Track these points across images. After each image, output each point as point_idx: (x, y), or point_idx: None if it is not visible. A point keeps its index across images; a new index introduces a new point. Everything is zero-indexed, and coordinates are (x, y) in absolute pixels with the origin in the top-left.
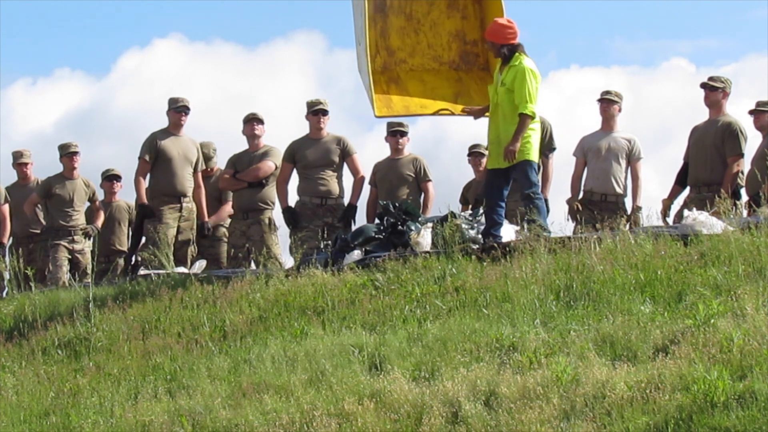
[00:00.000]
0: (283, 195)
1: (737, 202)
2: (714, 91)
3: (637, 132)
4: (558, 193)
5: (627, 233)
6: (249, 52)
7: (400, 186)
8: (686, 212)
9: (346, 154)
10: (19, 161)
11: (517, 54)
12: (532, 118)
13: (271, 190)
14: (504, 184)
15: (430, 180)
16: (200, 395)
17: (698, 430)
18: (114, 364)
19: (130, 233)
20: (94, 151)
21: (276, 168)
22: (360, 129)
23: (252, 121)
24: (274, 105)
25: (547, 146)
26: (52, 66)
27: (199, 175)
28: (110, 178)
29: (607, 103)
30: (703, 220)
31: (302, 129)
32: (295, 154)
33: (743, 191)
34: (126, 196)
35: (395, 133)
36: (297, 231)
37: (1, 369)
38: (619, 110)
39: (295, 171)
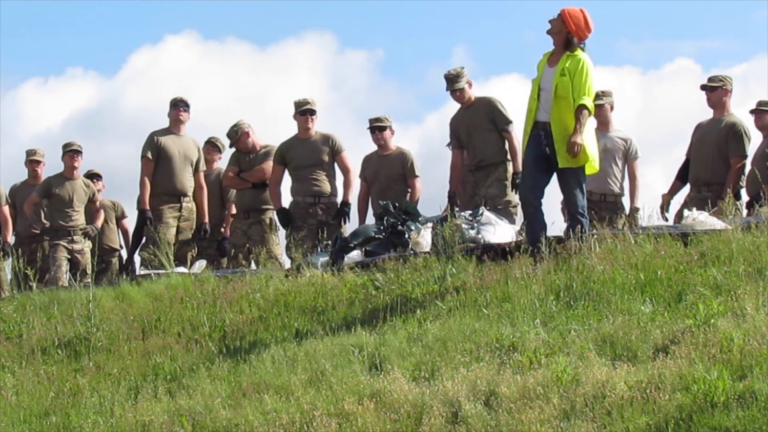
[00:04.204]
0: (276, 196)
1: (737, 203)
2: (714, 91)
3: (646, 133)
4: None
5: (627, 233)
6: (260, 51)
7: (389, 182)
8: (686, 212)
9: (335, 152)
10: (31, 158)
11: (579, 48)
12: (591, 113)
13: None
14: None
15: (417, 176)
16: (200, 395)
17: (698, 430)
18: (114, 364)
19: (120, 232)
20: (102, 150)
21: None
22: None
23: (242, 135)
24: (284, 105)
25: (504, 120)
26: (64, 64)
27: (201, 175)
28: (90, 178)
29: (598, 108)
30: (703, 220)
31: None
32: (285, 156)
33: (743, 191)
34: (110, 194)
35: (374, 130)
36: (295, 231)
37: (1, 369)
38: (611, 108)
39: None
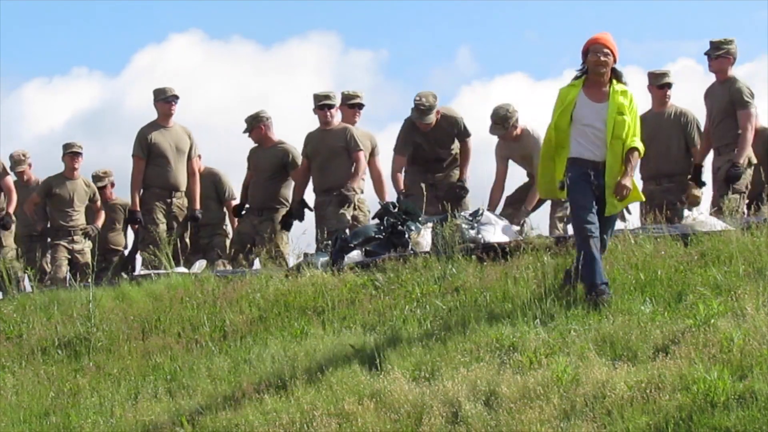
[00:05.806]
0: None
1: (700, 191)
2: (670, 89)
3: None
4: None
5: (627, 233)
6: (265, 51)
7: (332, 157)
8: (686, 212)
9: (373, 153)
10: (17, 169)
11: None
12: (641, 155)
13: (286, 189)
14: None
15: (360, 149)
16: (200, 395)
17: (698, 430)
18: (114, 364)
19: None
20: (105, 151)
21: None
22: (372, 129)
23: (257, 127)
24: (288, 105)
25: (466, 135)
26: (70, 64)
27: (194, 161)
28: (100, 186)
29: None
30: (703, 220)
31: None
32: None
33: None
34: (120, 194)
35: (323, 107)
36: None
37: (1, 369)
38: (517, 120)
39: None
